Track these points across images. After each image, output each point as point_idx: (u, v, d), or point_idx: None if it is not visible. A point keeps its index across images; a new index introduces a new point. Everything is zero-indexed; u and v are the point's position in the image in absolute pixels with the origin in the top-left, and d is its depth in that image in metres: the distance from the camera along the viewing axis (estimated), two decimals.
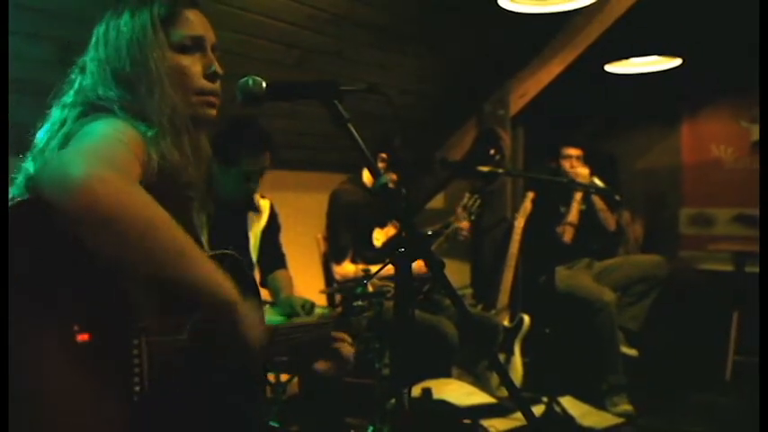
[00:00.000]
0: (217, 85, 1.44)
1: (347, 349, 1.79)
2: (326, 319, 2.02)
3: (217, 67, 1.43)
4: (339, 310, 2.16)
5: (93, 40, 1.41)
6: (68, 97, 1.36)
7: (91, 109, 1.32)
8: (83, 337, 1.12)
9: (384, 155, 3.33)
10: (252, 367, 1.28)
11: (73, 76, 1.41)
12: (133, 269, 1.14)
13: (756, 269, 4.24)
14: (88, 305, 1.16)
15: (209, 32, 1.45)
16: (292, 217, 3.04)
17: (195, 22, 1.42)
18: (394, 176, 3.35)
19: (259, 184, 2.75)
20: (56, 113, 1.35)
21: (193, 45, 1.41)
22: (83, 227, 1.07)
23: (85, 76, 1.38)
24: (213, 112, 1.44)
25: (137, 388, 1.20)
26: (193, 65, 1.41)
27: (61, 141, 1.27)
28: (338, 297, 3.44)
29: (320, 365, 1.79)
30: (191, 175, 1.39)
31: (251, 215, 2.84)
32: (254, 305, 1.28)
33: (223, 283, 1.20)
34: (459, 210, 3.42)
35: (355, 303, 2.11)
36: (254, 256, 2.83)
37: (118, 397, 1.18)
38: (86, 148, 1.16)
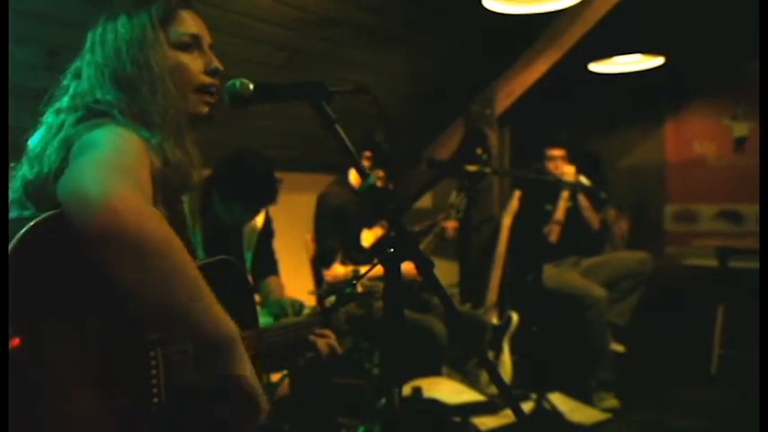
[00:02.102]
0: (217, 81, 1.45)
1: (323, 343, 1.91)
2: (310, 318, 2.05)
3: (217, 64, 1.45)
4: (321, 307, 2.18)
5: (89, 44, 1.40)
6: (63, 102, 1.35)
7: (89, 113, 1.30)
8: (14, 342, 1.06)
9: (368, 152, 3.34)
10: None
11: (66, 82, 1.39)
12: (142, 294, 1.09)
13: (740, 264, 4.29)
14: (102, 318, 1.15)
15: (205, 31, 1.47)
16: (280, 218, 3.04)
17: (191, 21, 1.44)
18: (381, 173, 3.36)
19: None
20: (50, 118, 1.33)
21: (192, 43, 1.43)
22: (102, 247, 1.05)
23: (81, 81, 1.37)
24: (207, 109, 1.45)
25: (155, 399, 1.20)
26: (193, 62, 1.42)
27: (59, 146, 1.25)
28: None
29: (303, 359, 1.94)
30: (191, 176, 1.39)
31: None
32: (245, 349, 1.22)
33: (225, 318, 1.16)
34: (447, 208, 3.44)
35: (329, 301, 2.15)
36: (247, 262, 2.83)
37: (136, 409, 1.18)
38: (100, 162, 1.13)
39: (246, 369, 1.18)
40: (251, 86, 1.38)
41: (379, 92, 1.45)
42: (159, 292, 1.09)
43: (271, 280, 2.89)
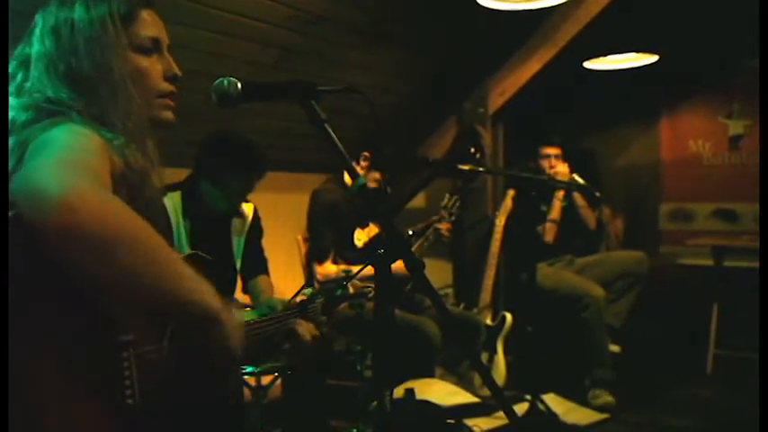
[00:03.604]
0: (176, 88, 1.40)
1: (305, 329, 2.01)
2: (287, 310, 2.08)
3: (176, 69, 1.39)
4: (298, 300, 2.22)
5: (38, 31, 1.29)
6: (11, 95, 1.26)
7: (41, 113, 1.22)
8: None
9: (367, 153, 3.33)
10: (231, 369, 1.25)
11: (12, 70, 1.29)
12: (116, 286, 1.06)
13: (735, 263, 4.28)
14: (72, 321, 1.12)
15: (164, 33, 1.40)
16: (271, 218, 3.00)
17: (152, 23, 1.37)
18: (377, 175, 3.35)
19: (245, 199, 2.72)
20: None
21: (153, 47, 1.36)
22: (63, 246, 1.01)
23: (29, 74, 1.27)
24: (171, 114, 1.40)
25: (129, 401, 1.18)
26: (153, 67, 1.36)
27: (14, 147, 1.18)
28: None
29: (286, 347, 2.05)
30: (153, 181, 1.33)
31: (235, 220, 2.80)
32: (234, 309, 1.22)
33: (207, 293, 1.13)
34: (440, 210, 3.43)
35: (304, 293, 2.20)
36: (237, 260, 2.79)
37: (111, 410, 1.16)
38: (56, 160, 1.08)
39: (238, 339, 1.18)
40: (239, 86, 1.36)
41: (371, 91, 1.44)
42: (133, 282, 1.05)
43: (260, 280, 2.86)
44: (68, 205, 0.99)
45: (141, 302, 1.11)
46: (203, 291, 1.13)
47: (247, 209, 2.83)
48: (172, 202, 2.54)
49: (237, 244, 2.79)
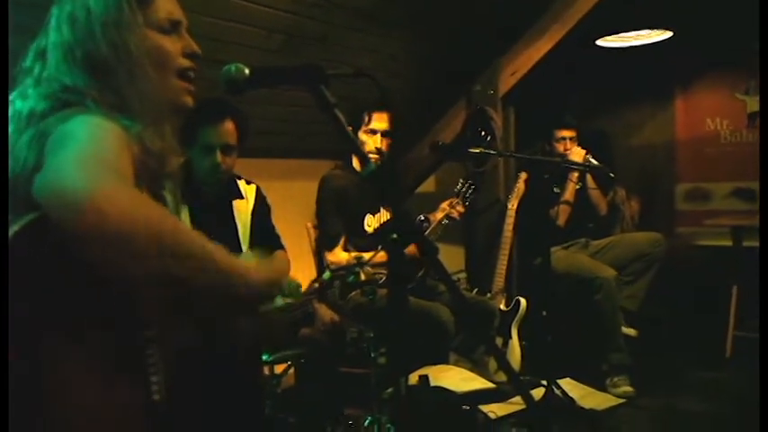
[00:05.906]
0: (195, 66, 1.39)
1: (323, 312, 2.08)
2: (306, 296, 2.06)
3: (195, 48, 1.39)
4: (319, 285, 2.20)
5: (53, 22, 1.30)
6: (29, 87, 1.26)
7: (58, 103, 1.22)
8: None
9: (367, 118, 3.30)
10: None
11: (29, 63, 1.29)
12: (151, 284, 1.06)
13: (755, 243, 4.21)
14: (98, 318, 1.12)
15: (182, 14, 1.39)
16: (280, 206, 2.97)
17: (169, 4, 1.36)
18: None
19: (228, 162, 2.64)
20: (18, 104, 1.24)
21: (171, 27, 1.36)
22: (95, 249, 1.00)
23: (47, 63, 1.27)
24: (190, 99, 1.39)
25: (155, 396, 1.18)
26: (172, 45, 1.36)
27: (31, 141, 1.17)
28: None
29: (304, 332, 2.12)
30: (172, 165, 1.34)
31: (236, 204, 2.77)
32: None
33: (246, 274, 1.16)
34: (455, 197, 3.40)
35: (323, 278, 2.19)
36: (244, 245, 2.75)
37: (137, 407, 1.16)
38: (79, 156, 1.06)
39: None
40: (246, 71, 1.36)
41: (379, 75, 1.42)
42: (170, 279, 1.05)
43: (277, 256, 2.80)
44: (97, 209, 0.98)
45: (179, 298, 1.11)
46: (243, 273, 1.16)
47: (249, 190, 2.80)
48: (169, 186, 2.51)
49: (242, 225, 2.75)
